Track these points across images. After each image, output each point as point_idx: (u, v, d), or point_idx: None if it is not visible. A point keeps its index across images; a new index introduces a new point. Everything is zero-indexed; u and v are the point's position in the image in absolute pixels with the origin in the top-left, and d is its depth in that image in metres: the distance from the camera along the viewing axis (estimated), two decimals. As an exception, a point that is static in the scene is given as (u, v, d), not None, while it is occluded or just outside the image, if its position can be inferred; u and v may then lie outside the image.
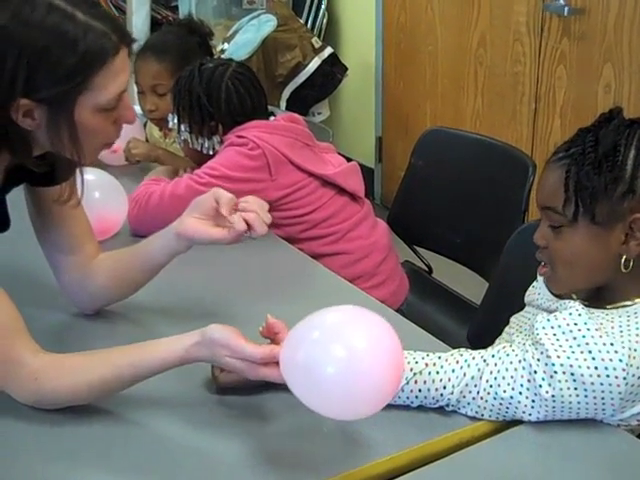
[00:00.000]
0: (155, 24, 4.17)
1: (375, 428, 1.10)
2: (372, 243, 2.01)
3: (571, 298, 1.22)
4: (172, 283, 1.65)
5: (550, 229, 1.18)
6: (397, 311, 1.74)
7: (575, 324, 1.09)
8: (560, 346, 1.09)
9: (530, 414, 1.12)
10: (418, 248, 2.33)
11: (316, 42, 3.86)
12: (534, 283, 1.35)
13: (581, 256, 1.16)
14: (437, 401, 1.17)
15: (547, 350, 1.09)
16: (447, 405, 1.17)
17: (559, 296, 1.25)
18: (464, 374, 1.15)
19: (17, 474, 1.10)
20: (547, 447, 1.14)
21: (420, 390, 1.17)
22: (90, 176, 1.65)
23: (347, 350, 1.00)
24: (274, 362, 1.06)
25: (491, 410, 1.15)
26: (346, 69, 3.94)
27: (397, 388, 1.04)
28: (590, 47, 2.93)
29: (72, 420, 1.17)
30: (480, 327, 1.80)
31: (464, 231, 2.17)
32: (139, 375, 1.15)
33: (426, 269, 2.34)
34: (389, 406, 1.09)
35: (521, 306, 1.38)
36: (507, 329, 1.38)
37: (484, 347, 1.44)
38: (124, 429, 1.17)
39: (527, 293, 1.37)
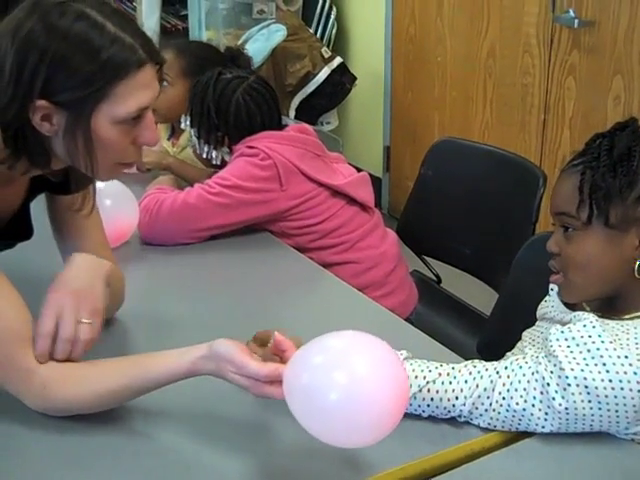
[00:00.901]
0: (165, 33, 4.19)
1: (386, 439, 1.10)
2: (382, 253, 2.02)
3: (584, 309, 1.22)
4: (183, 292, 1.66)
5: (563, 236, 1.18)
6: (406, 320, 1.74)
7: (589, 336, 1.09)
8: (574, 358, 1.08)
9: (543, 426, 1.12)
10: (427, 258, 2.33)
11: (325, 52, 3.87)
12: (546, 297, 1.35)
13: (594, 261, 1.16)
14: (449, 411, 1.17)
15: (561, 362, 1.09)
16: (459, 416, 1.17)
17: (572, 308, 1.25)
18: (477, 385, 1.15)
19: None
20: (559, 460, 1.13)
21: (432, 399, 1.17)
22: (101, 184, 1.67)
23: (350, 377, 0.98)
24: (279, 381, 1.04)
25: (504, 422, 1.15)
26: (355, 79, 3.95)
27: (398, 419, 1.02)
28: (600, 59, 2.93)
29: (83, 429, 1.17)
30: (490, 338, 1.80)
31: (473, 241, 2.17)
32: (147, 386, 1.15)
33: (435, 279, 2.34)
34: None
35: (531, 317, 1.38)
36: (519, 344, 1.37)
37: (494, 358, 1.44)
38: (132, 440, 1.17)
39: (539, 307, 1.36)
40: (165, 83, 2.30)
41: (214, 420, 1.22)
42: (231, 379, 1.08)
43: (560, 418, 1.10)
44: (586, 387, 1.07)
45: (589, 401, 1.08)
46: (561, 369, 1.09)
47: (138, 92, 1.12)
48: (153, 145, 1.23)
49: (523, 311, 1.42)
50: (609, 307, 1.20)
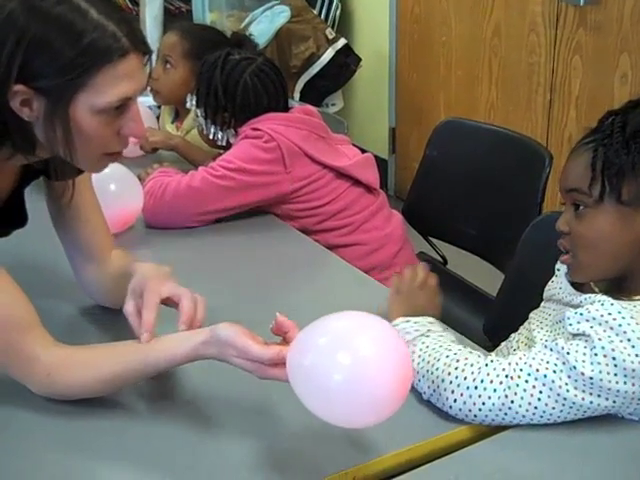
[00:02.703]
0: (168, 15, 4.18)
1: (377, 425, 1.10)
2: (387, 234, 2.01)
3: (592, 291, 1.20)
4: (188, 276, 1.65)
5: (573, 214, 1.16)
6: (412, 302, 1.73)
7: (609, 314, 1.08)
8: (599, 334, 1.07)
9: (568, 390, 1.09)
10: (433, 239, 2.32)
11: (330, 33, 3.85)
12: (553, 278, 1.33)
13: (605, 239, 1.14)
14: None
15: (589, 336, 1.07)
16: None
17: (581, 290, 1.23)
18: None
19: (35, 466, 1.11)
20: (557, 445, 1.12)
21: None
22: (106, 169, 1.67)
23: (353, 358, 0.98)
24: (283, 363, 1.04)
25: (524, 391, 1.11)
26: (360, 60, 3.93)
27: (404, 396, 1.01)
28: (606, 37, 2.91)
29: (87, 413, 1.17)
30: (496, 319, 1.79)
31: (479, 222, 2.16)
32: (150, 370, 1.15)
33: (441, 260, 2.34)
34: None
35: (538, 298, 1.37)
36: (526, 325, 1.36)
37: (500, 339, 1.44)
38: (137, 424, 1.17)
39: (546, 288, 1.34)
40: (168, 65, 2.30)
41: (219, 403, 1.22)
42: (234, 363, 1.08)
43: (584, 384, 1.08)
44: (614, 359, 1.05)
45: (615, 374, 1.06)
46: (587, 340, 1.07)
47: (120, 82, 1.09)
48: (138, 137, 1.20)
49: (529, 292, 1.41)
50: (618, 288, 1.18)
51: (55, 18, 1.05)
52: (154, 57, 2.32)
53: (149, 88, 2.37)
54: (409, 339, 1.23)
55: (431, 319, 1.28)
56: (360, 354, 0.98)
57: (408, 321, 1.26)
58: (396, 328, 1.25)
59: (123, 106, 1.13)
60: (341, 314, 1.04)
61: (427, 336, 1.23)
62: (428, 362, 1.18)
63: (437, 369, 1.17)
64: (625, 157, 1.10)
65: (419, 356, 1.20)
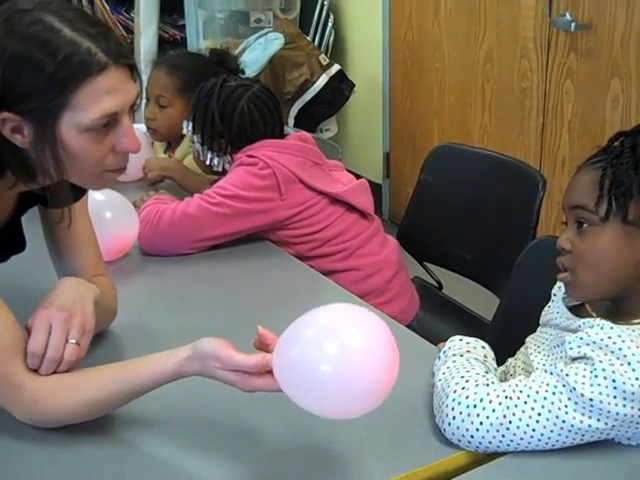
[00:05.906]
0: (162, 43, 4.21)
1: (370, 452, 1.08)
2: (382, 259, 2.01)
3: (590, 315, 1.20)
4: (181, 301, 1.66)
5: (576, 232, 1.16)
6: (407, 327, 1.73)
7: (609, 337, 1.07)
8: (599, 356, 1.07)
9: (567, 412, 1.08)
10: (428, 264, 2.33)
11: (323, 59, 3.88)
12: (549, 303, 1.34)
13: (607, 258, 1.14)
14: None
15: (590, 358, 1.07)
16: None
17: (578, 314, 1.23)
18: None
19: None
20: (555, 471, 1.11)
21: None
22: (101, 196, 1.67)
23: (341, 347, 0.97)
24: (267, 372, 1.04)
25: (522, 412, 1.10)
26: (354, 86, 3.96)
27: (392, 385, 1.00)
28: (597, 62, 2.94)
29: (81, 443, 1.16)
30: (492, 343, 1.78)
31: (474, 247, 2.16)
32: (136, 390, 1.14)
33: (436, 285, 2.34)
34: (386, 427, 1.07)
35: (533, 322, 1.37)
36: (523, 349, 1.36)
37: (496, 363, 1.44)
38: (133, 452, 1.16)
39: (543, 313, 1.34)
40: (162, 105, 2.30)
41: (210, 428, 1.21)
42: (219, 376, 1.07)
43: (584, 406, 1.07)
44: (614, 381, 1.05)
45: (614, 396, 1.06)
46: (586, 363, 1.07)
47: (102, 97, 1.09)
48: (134, 152, 1.19)
49: (525, 316, 1.41)
50: (615, 312, 1.18)
51: (29, 38, 1.05)
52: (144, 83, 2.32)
53: (146, 127, 2.38)
54: (449, 354, 1.25)
55: (484, 344, 1.30)
56: (347, 343, 0.98)
57: (461, 340, 1.28)
58: (449, 343, 1.28)
59: (112, 122, 1.12)
60: (325, 307, 1.04)
61: (461, 355, 1.24)
62: (446, 379, 1.18)
63: (449, 386, 1.16)
64: (634, 177, 1.11)
65: (443, 372, 1.21)
